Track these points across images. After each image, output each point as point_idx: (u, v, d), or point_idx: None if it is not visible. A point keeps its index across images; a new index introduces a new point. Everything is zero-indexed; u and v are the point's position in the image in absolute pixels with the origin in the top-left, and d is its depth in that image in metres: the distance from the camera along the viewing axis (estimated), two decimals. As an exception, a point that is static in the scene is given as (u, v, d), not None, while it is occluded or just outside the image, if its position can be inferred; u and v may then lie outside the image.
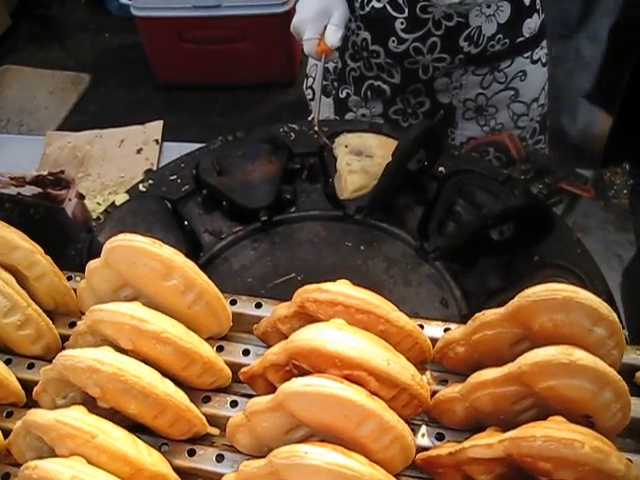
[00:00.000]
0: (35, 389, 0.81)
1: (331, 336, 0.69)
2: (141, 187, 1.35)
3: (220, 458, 0.78)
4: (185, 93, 3.37)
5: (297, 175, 1.35)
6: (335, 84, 1.70)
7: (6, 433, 0.81)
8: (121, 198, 1.34)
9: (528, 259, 1.18)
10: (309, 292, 0.76)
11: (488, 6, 1.44)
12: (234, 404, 0.81)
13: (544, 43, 1.60)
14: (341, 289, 0.75)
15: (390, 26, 1.47)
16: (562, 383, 0.66)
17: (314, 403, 0.66)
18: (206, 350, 0.78)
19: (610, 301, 1.12)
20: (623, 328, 1.08)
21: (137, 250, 0.77)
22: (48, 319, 0.86)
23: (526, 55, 1.56)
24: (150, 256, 0.77)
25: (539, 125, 1.67)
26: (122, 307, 0.75)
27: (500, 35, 1.49)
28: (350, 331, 0.71)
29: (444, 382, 0.82)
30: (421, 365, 0.81)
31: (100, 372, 0.71)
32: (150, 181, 1.36)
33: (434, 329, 0.85)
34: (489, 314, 0.75)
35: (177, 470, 0.76)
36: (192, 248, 1.24)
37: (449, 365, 0.81)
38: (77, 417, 0.70)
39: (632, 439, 0.79)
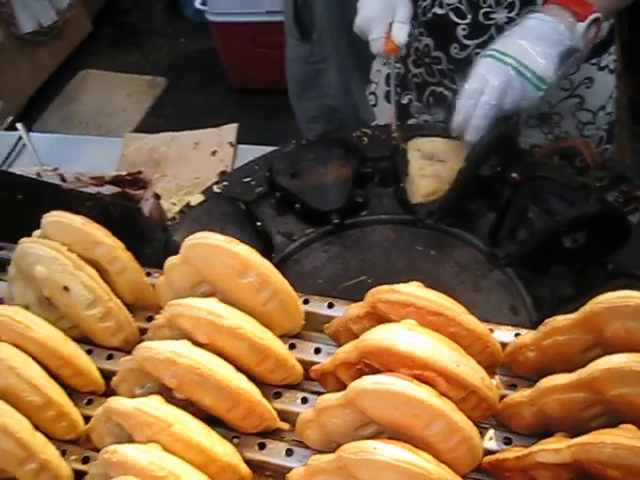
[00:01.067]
0: (114, 379, 0.85)
1: (402, 336, 0.71)
2: (215, 188, 1.38)
3: (290, 452, 0.80)
4: (258, 97, 3.42)
5: (369, 179, 1.36)
6: (398, 89, 1.68)
7: (86, 419, 0.85)
8: (196, 199, 1.37)
9: (602, 268, 1.17)
10: (381, 293, 0.77)
11: None
12: (304, 401, 0.83)
13: (613, 49, 1.57)
14: (413, 290, 0.76)
15: (452, 32, 1.47)
16: (634, 391, 0.66)
17: (384, 401, 0.68)
18: (279, 347, 0.80)
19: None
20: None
21: (215, 248, 0.80)
22: (128, 312, 0.89)
23: (593, 62, 1.53)
24: (227, 254, 0.79)
25: (606, 133, 1.64)
26: (200, 302, 0.78)
27: None
28: (421, 332, 0.72)
29: (513, 387, 0.82)
30: (490, 369, 0.81)
31: (177, 364, 0.74)
32: (225, 183, 1.39)
33: (504, 334, 0.85)
34: (560, 319, 0.75)
35: (248, 462, 0.79)
36: (265, 249, 1.26)
37: (518, 370, 0.82)
38: (155, 406, 0.73)
39: None
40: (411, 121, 1.71)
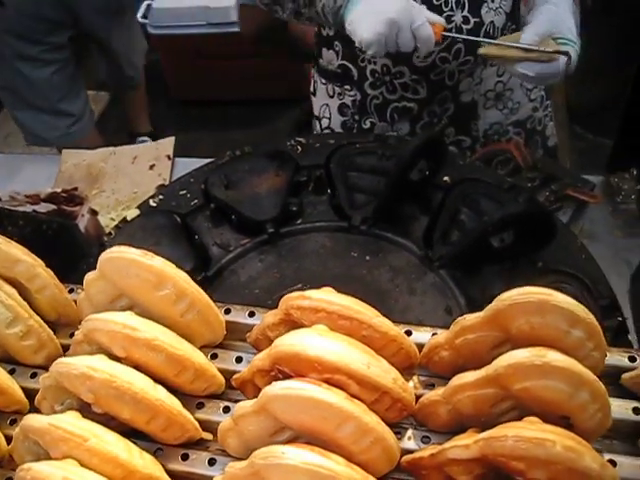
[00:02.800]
0: (37, 397, 0.85)
1: (312, 341, 0.72)
2: (152, 202, 1.38)
3: (212, 462, 0.80)
4: (200, 109, 3.43)
5: (303, 187, 1.37)
6: (356, 117, 1.71)
7: (9, 440, 0.84)
8: (132, 213, 1.37)
9: (532, 266, 1.19)
10: (293, 299, 0.78)
11: (492, 0, 1.48)
12: (227, 410, 0.83)
13: None
14: (323, 296, 0.77)
15: None
16: (537, 384, 0.68)
17: (294, 405, 0.69)
18: (198, 357, 0.81)
19: (614, 306, 1.13)
20: (629, 333, 1.10)
21: (130, 261, 0.80)
22: (49, 330, 0.89)
23: None
24: (142, 267, 0.80)
25: (545, 92, 1.72)
26: (115, 316, 0.78)
27: (509, 23, 1.53)
28: (331, 336, 0.73)
29: (431, 386, 0.83)
30: (408, 370, 0.82)
31: (93, 379, 0.74)
32: (160, 196, 1.39)
33: (422, 335, 0.87)
34: (470, 318, 0.76)
35: (171, 474, 0.79)
36: (201, 261, 1.27)
37: (435, 370, 0.83)
38: (70, 421, 0.73)
39: (619, 440, 0.80)
40: None
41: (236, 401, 0.84)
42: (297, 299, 0.78)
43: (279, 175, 1.37)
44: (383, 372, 0.73)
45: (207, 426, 0.83)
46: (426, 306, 1.19)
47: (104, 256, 0.83)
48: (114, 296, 0.84)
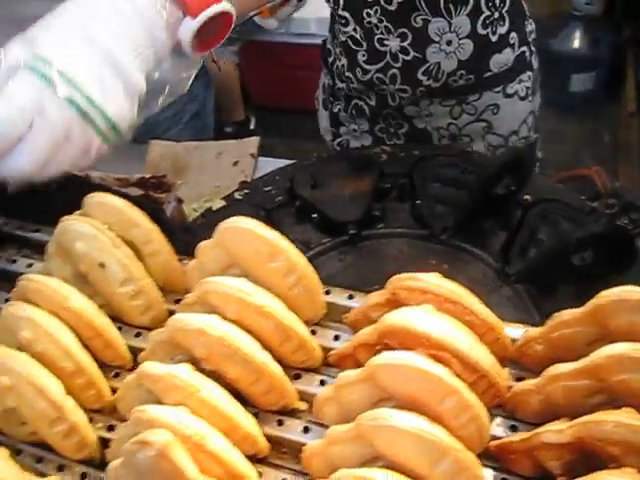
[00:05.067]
0: (142, 354, 0.89)
1: (421, 317, 0.76)
2: (237, 195, 1.44)
3: (307, 430, 0.84)
4: (276, 115, 3.50)
5: (387, 194, 1.41)
6: (331, 99, 1.77)
7: (112, 392, 0.89)
8: (218, 204, 1.43)
9: (607, 288, 1.21)
10: (402, 280, 0.82)
11: (448, 43, 1.46)
12: (322, 383, 0.87)
13: (525, 76, 1.61)
14: (432, 279, 0.81)
15: (355, 57, 1.54)
16: (634, 377, 0.70)
17: (402, 375, 0.72)
18: (302, 329, 0.85)
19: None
20: None
21: (247, 231, 0.85)
22: (159, 292, 0.94)
23: (497, 89, 1.57)
24: (258, 238, 0.85)
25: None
26: (230, 280, 0.83)
27: (462, 71, 1.51)
28: (438, 316, 0.77)
29: (520, 380, 0.86)
30: (500, 361, 0.85)
31: (207, 335, 0.78)
32: (246, 190, 1.44)
33: (514, 330, 0.90)
34: (567, 313, 0.80)
35: (266, 438, 0.83)
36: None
37: (527, 363, 0.86)
38: (185, 372, 0.77)
39: None
40: (342, 129, 1.78)
41: (330, 376, 0.88)
42: (406, 280, 0.82)
43: (364, 180, 1.41)
44: (484, 356, 0.76)
45: (301, 397, 0.87)
46: (500, 318, 1.22)
47: (223, 225, 0.87)
48: (226, 265, 0.89)
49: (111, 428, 0.88)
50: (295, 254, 0.86)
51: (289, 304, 0.86)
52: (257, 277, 0.86)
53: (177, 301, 0.97)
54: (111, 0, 0.88)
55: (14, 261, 1.08)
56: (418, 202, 1.38)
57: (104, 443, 0.87)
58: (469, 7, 1.44)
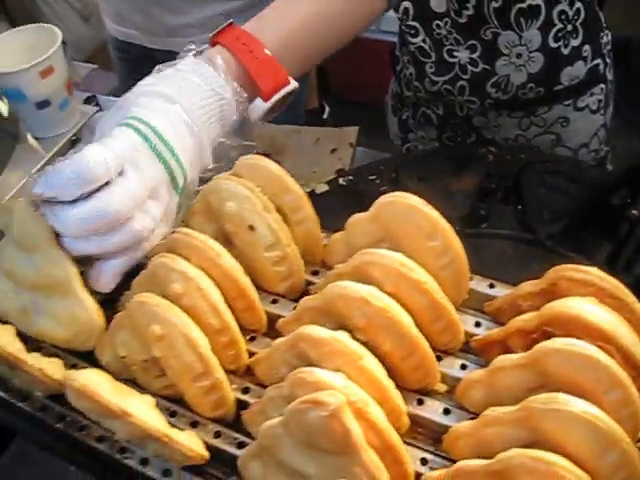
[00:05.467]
0: (283, 319, 0.89)
1: (589, 308, 0.76)
2: (341, 181, 1.44)
3: (447, 411, 0.84)
4: (353, 110, 3.51)
5: (492, 194, 1.41)
6: (399, 105, 1.79)
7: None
8: (321, 188, 1.43)
9: None
10: (565, 270, 0.82)
11: (518, 56, 1.46)
12: (464, 367, 0.87)
13: (597, 89, 1.59)
14: (597, 272, 0.80)
15: (423, 68, 1.55)
16: None
17: (571, 362, 0.72)
18: (453, 311, 0.85)
19: None
20: None
21: (410, 207, 0.85)
22: (301, 261, 0.94)
23: (567, 103, 1.56)
24: (420, 214, 0.85)
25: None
26: (392, 253, 0.83)
27: (532, 84, 1.50)
28: (604, 309, 0.76)
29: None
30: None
31: (370, 305, 0.78)
32: (350, 177, 1.45)
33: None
34: None
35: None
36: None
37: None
38: (347, 339, 0.77)
39: None
40: (411, 135, 1.80)
41: (471, 362, 0.88)
42: (570, 271, 0.81)
43: (470, 178, 1.41)
44: (643, 354, 0.76)
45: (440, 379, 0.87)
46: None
47: (383, 199, 0.88)
48: (377, 239, 0.89)
49: (246, 390, 0.88)
50: (453, 236, 0.86)
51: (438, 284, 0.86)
52: (410, 254, 0.86)
53: (314, 272, 0.97)
54: (195, 79, 0.97)
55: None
56: (524, 206, 1.38)
57: (238, 404, 0.87)
58: (540, 20, 1.43)
